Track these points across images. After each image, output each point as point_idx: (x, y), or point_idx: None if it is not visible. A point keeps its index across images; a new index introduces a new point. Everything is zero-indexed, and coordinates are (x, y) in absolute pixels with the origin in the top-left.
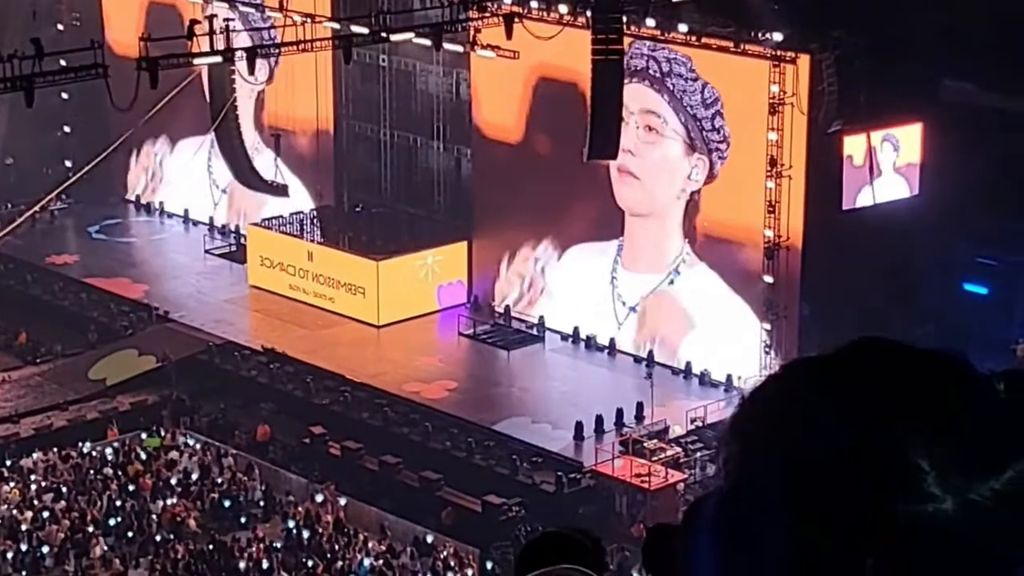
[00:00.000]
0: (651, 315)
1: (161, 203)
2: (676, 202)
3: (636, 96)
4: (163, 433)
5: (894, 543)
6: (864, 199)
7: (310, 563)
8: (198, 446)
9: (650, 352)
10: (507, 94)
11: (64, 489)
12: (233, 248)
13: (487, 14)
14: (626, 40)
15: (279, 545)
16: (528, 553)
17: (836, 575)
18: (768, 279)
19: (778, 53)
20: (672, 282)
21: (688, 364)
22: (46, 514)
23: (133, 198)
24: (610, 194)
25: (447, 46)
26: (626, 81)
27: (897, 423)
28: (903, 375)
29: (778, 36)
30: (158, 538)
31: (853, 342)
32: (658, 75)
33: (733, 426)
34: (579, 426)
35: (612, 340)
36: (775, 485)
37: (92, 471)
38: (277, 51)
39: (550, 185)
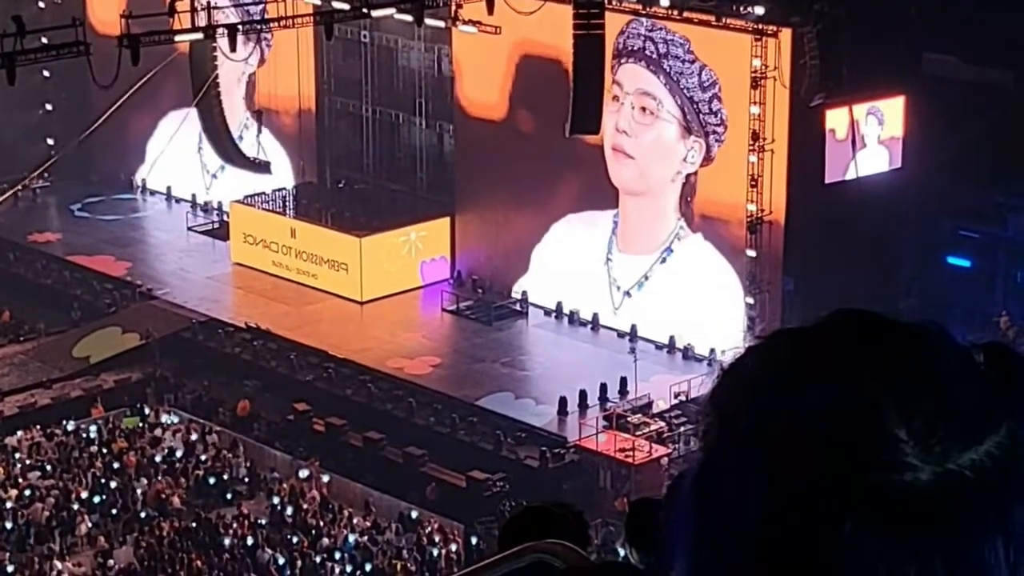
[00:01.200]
0: (643, 297)
1: (143, 180)
2: (671, 184)
3: (632, 77)
4: (146, 412)
5: (870, 511)
6: (847, 172)
7: (295, 539)
8: (178, 422)
9: (633, 327)
10: (489, 70)
11: (48, 467)
12: (216, 225)
13: None
14: (623, 20)
15: (264, 522)
16: (511, 528)
17: (812, 543)
18: (751, 253)
19: (760, 27)
20: (664, 260)
21: (672, 338)
22: (30, 492)
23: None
24: (593, 170)
25: (428, 22)
26: (623, 62)
27: (875, 392)
28: (883, 346)
29: (760, 10)
30: (143, 515)
31: (833, 313)
32: (655, 56)
33: (712, 397)
34: (563, 401)
35: (595, 315)
36: (751, 453)
37: (76, 449)
38: (259, 28)
39: (533, 161)
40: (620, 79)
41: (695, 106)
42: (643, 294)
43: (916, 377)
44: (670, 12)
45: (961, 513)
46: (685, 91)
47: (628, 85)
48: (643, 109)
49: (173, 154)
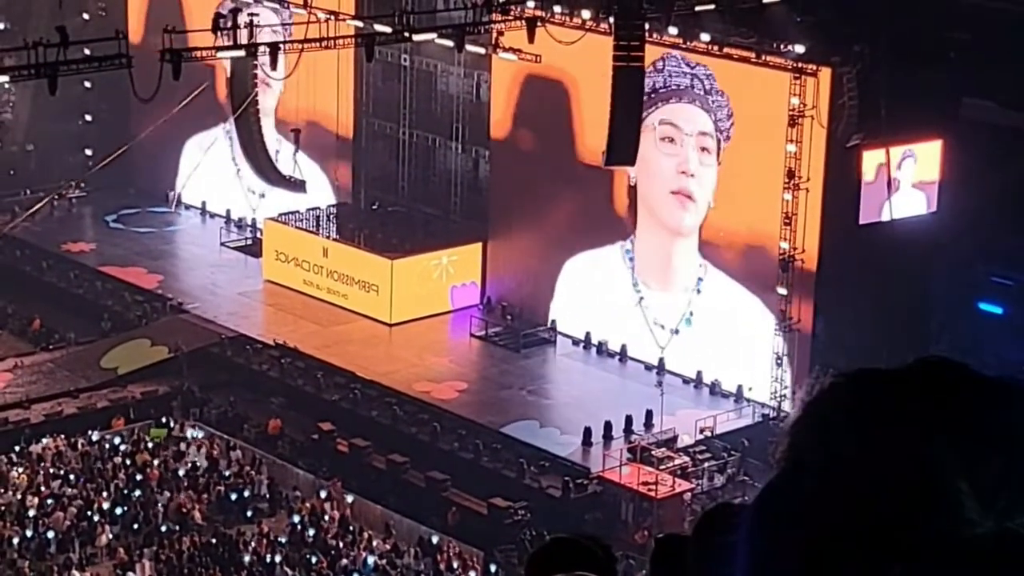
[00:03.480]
0: (690, 333)
1: (179, 195)
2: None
3: (690, 118)
4: (172, 424)
5: (920, 559)
6: (882, 214)
7: (314, 559)
8: (203, 436)
9: (660, 360)
10: (528, 97)
11: (72, 476)
12: (249, 242)
13: (510, 17)
14: (654, 54)
15: (284, 540)
16: (539, 558)
17: None
18: (782, 291)
19: (799, 65)
20: (699, 291)
21: (699, 373)
22: (52, 501)
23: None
24: (618, 199)
25: (469, 48)
26: (673, 101)
27: (943, 444)
28: (959, 397)
29: (800, 48)
30: (163, 529)
31: (919, 359)
32: (702, 93)
33: (791, 428)
34: (587, 431)
35: (624, 346)
36: (814, 487)
37: (100, 459)
38: (301, 47)
39: (567, 190)
40: (673, 119)
41: (722, 134)
42: (691, 330)
43: (988, 432)
44: (710, 47)
45: (1013, 572)
46: (719, 123)
47: (686, 126)
48: (703, 149)
49: (209, 170)
